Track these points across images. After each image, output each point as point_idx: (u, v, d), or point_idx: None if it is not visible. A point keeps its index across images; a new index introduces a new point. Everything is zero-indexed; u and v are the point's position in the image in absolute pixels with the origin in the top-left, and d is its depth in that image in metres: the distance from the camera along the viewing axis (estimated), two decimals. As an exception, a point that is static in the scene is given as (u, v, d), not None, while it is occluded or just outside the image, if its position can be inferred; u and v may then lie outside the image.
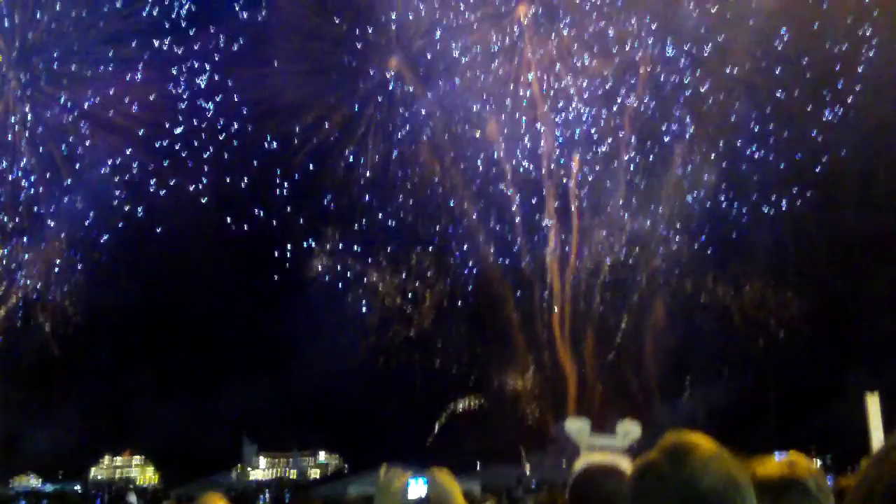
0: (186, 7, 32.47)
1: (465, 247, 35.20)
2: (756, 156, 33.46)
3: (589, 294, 34.42)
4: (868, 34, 29.95)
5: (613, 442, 2.83)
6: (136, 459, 53.27)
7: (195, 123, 33.22)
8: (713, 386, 34.77)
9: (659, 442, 2.03)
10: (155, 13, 31.72)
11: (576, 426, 2.83)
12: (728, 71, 32.34)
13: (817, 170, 32.38)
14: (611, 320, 35.17)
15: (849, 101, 31.07)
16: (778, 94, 32.13)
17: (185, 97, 32.95)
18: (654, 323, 34.67)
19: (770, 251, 33.84)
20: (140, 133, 32.74)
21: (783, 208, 33.53)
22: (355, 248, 35.65)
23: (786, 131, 32.95)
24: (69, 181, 33.02)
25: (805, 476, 2.41)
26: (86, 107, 32.31)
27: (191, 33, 32.60)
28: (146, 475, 52.30)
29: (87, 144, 32.98)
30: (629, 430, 2.83)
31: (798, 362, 33.58)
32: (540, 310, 34.93)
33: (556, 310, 34.55)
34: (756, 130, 33.22)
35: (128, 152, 32.93)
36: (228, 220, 34.44)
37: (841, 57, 30.29)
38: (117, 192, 33.30)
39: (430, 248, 35.15)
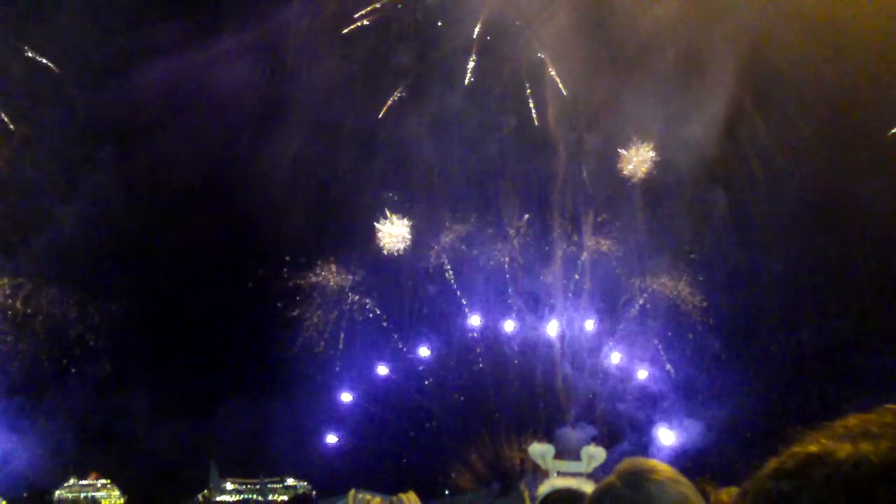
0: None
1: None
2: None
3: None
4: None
5: (579, 467, 2.89)
6: (102, 482, 52.04)
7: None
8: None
9: (617, 467, 2.11)
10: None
11: (539, 451, 2.90)
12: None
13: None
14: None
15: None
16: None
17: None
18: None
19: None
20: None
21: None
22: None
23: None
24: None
25: None
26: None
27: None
28: (112, 498, 51.10)
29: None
30: (594, 454, 2.90)
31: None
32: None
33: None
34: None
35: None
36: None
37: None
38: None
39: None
